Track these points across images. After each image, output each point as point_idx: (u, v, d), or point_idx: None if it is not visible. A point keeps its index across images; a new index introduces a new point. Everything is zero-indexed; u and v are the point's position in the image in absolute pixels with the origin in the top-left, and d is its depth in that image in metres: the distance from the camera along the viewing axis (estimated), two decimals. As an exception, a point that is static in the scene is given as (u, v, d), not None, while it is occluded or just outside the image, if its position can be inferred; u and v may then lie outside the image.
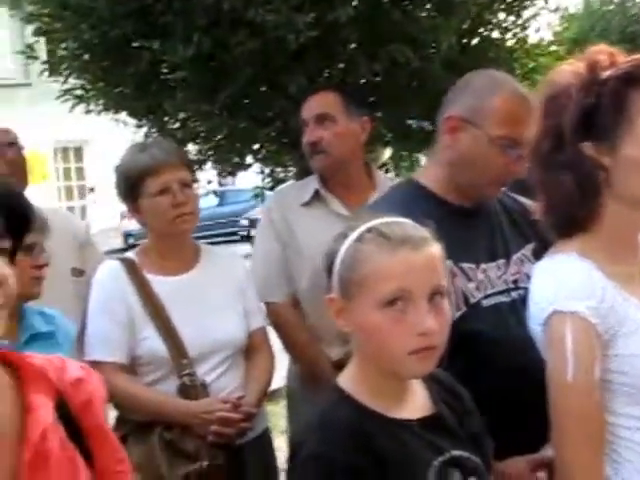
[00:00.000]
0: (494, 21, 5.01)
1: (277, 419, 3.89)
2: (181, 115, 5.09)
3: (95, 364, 2.12)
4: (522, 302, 1.94)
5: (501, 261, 2.02)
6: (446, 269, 1.45)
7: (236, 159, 5.60)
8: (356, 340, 1.44)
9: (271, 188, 6.19)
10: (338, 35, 4.06)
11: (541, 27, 6.02)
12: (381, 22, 4.06)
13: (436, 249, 1.40)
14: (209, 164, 5.77)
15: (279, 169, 6.27)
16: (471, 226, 2.01)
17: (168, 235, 2.41)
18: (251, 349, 2.47)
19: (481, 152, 1.95)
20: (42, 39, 5.29)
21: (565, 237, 1.59)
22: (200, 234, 10.57)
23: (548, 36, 6.99)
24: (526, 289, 1.96)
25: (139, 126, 5.48)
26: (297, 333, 2.75)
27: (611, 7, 20.29)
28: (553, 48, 5.99)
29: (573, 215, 1.55)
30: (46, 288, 2.23)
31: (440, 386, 1.53)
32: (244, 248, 9.87)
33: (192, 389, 2.28)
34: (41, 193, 12.03)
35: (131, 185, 2.38)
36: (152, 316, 2.31)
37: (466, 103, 1.98)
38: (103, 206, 19.40)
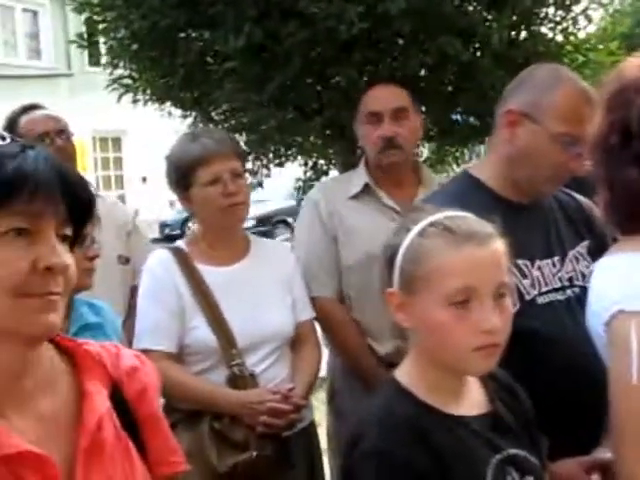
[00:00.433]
0: (543, 15, 4.94)
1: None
2: (224, 106, 5.10)
3: (144, 352, 2.10)
4: (577, 300, 1.92)
5: (556, 258, 1.99)
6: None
7: (282, 150, 5.60)
8: (416, 335, 1.43)
9: (314, 180, 6.19)
10: (389, 27, 4.03)
11: (591, 22, 5.93)
12: (432, 15, 4.02)
13: (501, 245, 1.39)
14: (252, 155, 5.78)
15: (322, 161, 6.27)
16: (526, 222, 1.97)
17: (219, 225, 2.41)
18: (298, 341, 2.46)
19: (540, 148, 1.92)
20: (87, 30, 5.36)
21: (630, 235, 1.54)
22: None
23: (597, 31, 6.88)
24: (581, 287, 1.94)
25: (184, 116, 5.51)
26: (344, 328, 2.72)
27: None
28: (602, 45, 5.90)
29: (639, 212, 1.51)
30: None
31: (497, 384, 1.51)
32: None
33: (241, 379, 2.28)
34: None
35: (182, 175, 2.37)
36: (202, 306, 2.31)
37: (526, 97, 1.94)
38: (141, 195, 19.60)
